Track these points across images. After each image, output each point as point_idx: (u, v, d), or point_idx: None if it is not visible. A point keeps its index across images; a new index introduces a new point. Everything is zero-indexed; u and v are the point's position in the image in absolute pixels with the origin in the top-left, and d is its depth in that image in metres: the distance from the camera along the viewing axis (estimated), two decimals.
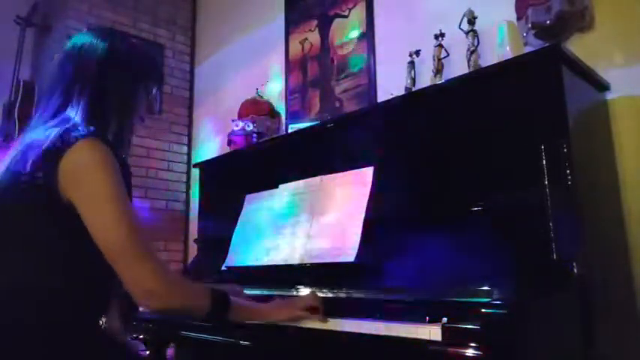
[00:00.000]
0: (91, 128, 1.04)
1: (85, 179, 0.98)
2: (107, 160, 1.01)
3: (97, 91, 1.11)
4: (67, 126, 1.03)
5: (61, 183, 0.98)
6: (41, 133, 1.03)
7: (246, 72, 3.03)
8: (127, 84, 1.17)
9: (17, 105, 2.85)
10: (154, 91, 1.28)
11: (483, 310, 0.89)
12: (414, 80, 1.92)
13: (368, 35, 2.31)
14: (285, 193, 1.77)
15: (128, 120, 1.18)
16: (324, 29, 2.57)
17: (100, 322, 1.12)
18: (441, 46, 1.84)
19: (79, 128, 1.02)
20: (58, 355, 0.97)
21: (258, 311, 1.21)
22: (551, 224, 1.13)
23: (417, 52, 1.94)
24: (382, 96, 2.15)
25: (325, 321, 1.17)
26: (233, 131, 2.56)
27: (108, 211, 0.98)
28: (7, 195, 1.02)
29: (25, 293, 0.98)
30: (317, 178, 1.67)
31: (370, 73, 2.27)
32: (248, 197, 1.95)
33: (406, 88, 1.90)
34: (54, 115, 1.08)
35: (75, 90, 1.10)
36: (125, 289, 1.00)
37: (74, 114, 1.07)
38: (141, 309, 1.75)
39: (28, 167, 0.98)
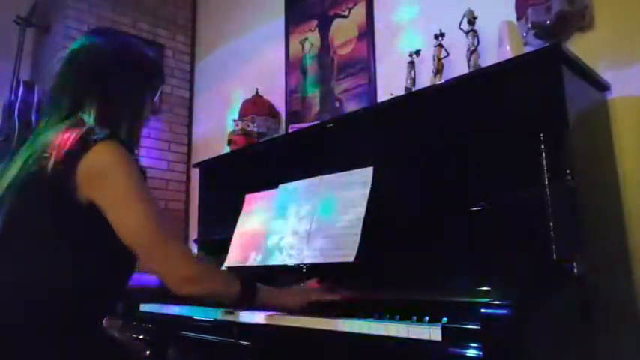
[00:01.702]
0: (109, 131, 1.05)
1: (111, 180, 1.01)
2: (129, 162, 1.04)
3: (106, 94, 1.12)
4: (85, 129, 1.04)
5: (80, 184, 0.99)
6: (58, 135, 1.04)
7: (246, 72, 3.03)
8: (134, 86, 1.19)
9: (17, 105, 2.84)
10: (158, 91, 1.29)
11: (483, 310, 0.89)
12: (414, 80, 1.92)
13: (368, 35, 2.31)
14: (285, 193, 1.77)
15: (137, 121, 1.20)
16: (324, 29, 2.57)
17: (102, 322, 1.12)
18: (441, 46, 1.84)
19: (97, 131, 1.04)
20: (59, 354, 0.97)
21: (282, 296, 1.27)
22: (551, 224, 1.13)
23: (417, 52, 1.94)
24: (382, 96, 2.15)
25: (340, 296, 1.26)
26: (233, 131, 2.56)
27: (139, 210, 1.02)
28: (23, 194, 1.03)
29: (30, 292, 0.98)
30: (317, 178, 1.67)
31: (370, 73, 2.27)
32: (248, 197, 1.95)
33: (406, 88, 1.90)
34: (66, 117, 1.10)
35: (85, 93, 1.11)
36: (160, 279, 1.06)
37: (87, 117, 1.08)
38: (141, 307, 1.75)
39: (49, 168, 0.99)
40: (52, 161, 0.99)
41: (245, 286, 1.16)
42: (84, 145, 1.00)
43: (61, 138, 1.02)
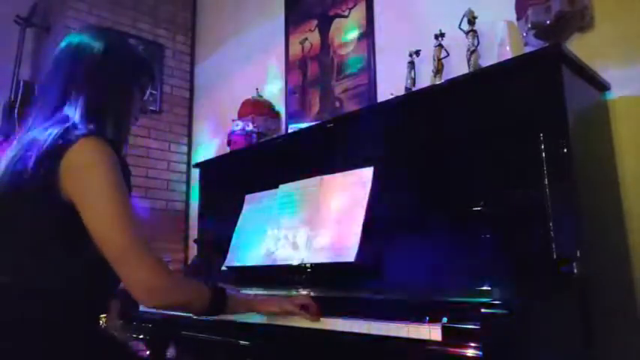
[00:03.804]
0: (92, 127, 1.03)
1: (86, 178, 0.98)
2: (108, 159, 1.01)
3: (93, 90, 1.11)
4: (67, 125, 1.02)
5: (62, 182, 0.98)
6: (41, 133, 1.03)
7: (246, 72, 3.03)
8: (122, 83, 1.17)
9: (17, 105, 2.84)
10: (148, 90, 1.28)
11: (483, 310, 0.89)
12: (414, 80, 1.92)
13: (368, 35, 2.31)
14: (285, 193, 1.76)
15: (125, 119, 1.18)
16: (324, 29, 2.56)
17: (100, 322, 1.12)
18: (441, 46, 1.84)
19: (80, 127, 1.02)
20: (58, 354, 0.97)
21: (253, 303, 1.23)
22: (551, 224, 1.13)
23: (417, 52, 1.94)
24: (382, 96, 2.15)
25: (317, 320, 1.17)
26: (233, 131, 2.55)
27: (109, 211, 0.98)
28: (8, 195, 1.02)
29: (25, 293, 0.98)
30: (317, 178, 1.67)
31: (370, 73, 2.27)
32: (248, 197, 1.95)
33: (406, 88, 1.90)
34: (52, 114, 1.08)
35: (71, 89, 1.10)
36: (125, 287, 1.01)
37: (72, 113, 1.07)
38: (141, 307, 1.75)
39: (30, 166, 0.98)
40: (34, 159, 0.98)
41: (214, 297, 1.11)
42: (64, 141, 0.98)
43: (43, 135, 1.01)
